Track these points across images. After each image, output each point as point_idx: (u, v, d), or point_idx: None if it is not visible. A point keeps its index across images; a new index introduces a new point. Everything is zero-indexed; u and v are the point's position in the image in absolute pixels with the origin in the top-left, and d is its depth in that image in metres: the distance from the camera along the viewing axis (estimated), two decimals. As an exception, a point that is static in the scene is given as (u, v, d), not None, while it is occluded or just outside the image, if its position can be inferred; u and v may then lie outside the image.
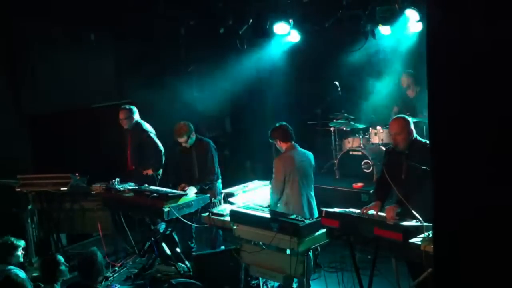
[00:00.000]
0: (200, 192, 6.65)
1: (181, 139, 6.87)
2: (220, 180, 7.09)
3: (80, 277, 4.76)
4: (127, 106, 7.57)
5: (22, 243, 5.40)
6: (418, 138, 5.03)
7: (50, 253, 5.24)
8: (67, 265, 4.98)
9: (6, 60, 8.07)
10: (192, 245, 7.10)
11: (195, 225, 6.51)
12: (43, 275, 4.82)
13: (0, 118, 7.90)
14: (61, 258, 4.85)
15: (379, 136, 8.21)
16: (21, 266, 5.33)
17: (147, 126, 7.61)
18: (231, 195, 6.26)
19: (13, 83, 8.14)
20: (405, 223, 4.43)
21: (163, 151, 7.53)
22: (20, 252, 5.31)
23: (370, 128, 8.34)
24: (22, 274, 4.94)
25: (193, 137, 6.92)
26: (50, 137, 8.24)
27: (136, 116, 7.55)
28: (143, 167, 7.52)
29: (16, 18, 7.73)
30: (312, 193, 5.91)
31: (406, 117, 5.20)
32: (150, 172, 7.49)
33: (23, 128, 8.22)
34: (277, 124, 6.01)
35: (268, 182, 6.29)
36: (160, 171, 7.65)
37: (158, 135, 7.90)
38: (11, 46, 8.05)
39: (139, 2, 8.29)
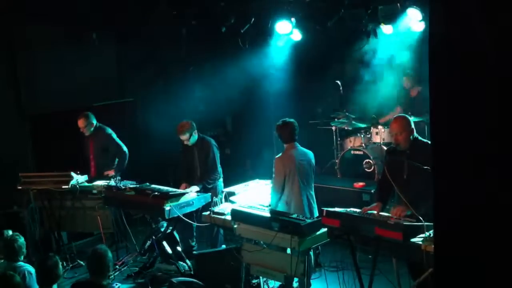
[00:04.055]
0: (203, 191, 6.66)
1: (183, 137, 6.88)
2: (221, 179, 7.09)
3: (89, 273, 4.74)
4: (84, 113, 7.55)
5: (22, 238, 5.41)
6: (419, 137, 5.02)
7: (47, 255, 5.23)
8: (64, 264, 4.97)
9: (7, 59, 8.07)
10: (193, 243, 7.11)
11: (196, 223, 6.52)
12: (39, 276, 4.76)
13: (2, 117, 7.91)
14: (58, 260, 4.82)
15: (380, 135, 8.21)
16: None
17: (109, 128, 7.66)
18: (232, 194, 6.26)
19: (14, 82, 8.15)
20: (405, 223, 4.42)
21: (127, 152, 7.58)
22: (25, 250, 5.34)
23: (372, 128, 8.34)
24: (31, 270, 5.01)
25: (195, 135, 6.93)
26: (51, 136, 8.25)
27: (95, 121, 7.58)
28: (107, 169, 7.56)
29: (17, 17, 7.73)
30: (313, 193, 5.91)
31: (407, 116, 5.20)
32: (111, 173, 7.49)
33: (25, 127, 8.23)
34: (282, 122, 5.94)
35: (269, 181, 6.28)
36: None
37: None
38: (12, 46, 8.05)
39: (141, 1, 8.29)
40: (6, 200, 7.48)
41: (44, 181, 7.01)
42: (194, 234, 7.08)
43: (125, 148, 7.59)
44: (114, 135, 7.64)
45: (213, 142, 7.04)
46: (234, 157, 10.13)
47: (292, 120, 5.92)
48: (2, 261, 5.37)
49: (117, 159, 7.61)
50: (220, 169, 7.04)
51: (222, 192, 6.45)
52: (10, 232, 5.82)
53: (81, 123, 7.49)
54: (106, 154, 7.64)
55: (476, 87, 2.14)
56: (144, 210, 6.70)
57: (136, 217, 7.92)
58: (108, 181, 7.00)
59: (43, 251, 6.90)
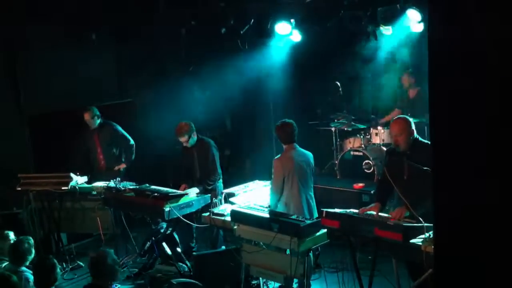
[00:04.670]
0: (203, 192, 6.66)
1: (182, 139, 6.87)
2: (221, 180, 7.09)
3: (91, 276, 4.72)
4: (90, 107, 7.68)
5: (31, 241, 5.39)
6: (420, 138, 5.02)
7: (45, 256, 5.23)
8: (61, 267, 4.93)
9: (7, 60, 8.06)
10: (193, 244, 7.10)
11: (195, 224, 6.51)
12: (37, 278, 4.72)
13: (1, 117, 7.91)
14: (55, 262, 4.81)
15: (380, 136, 8.22)
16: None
17: (113, 122, 7.81)
18: (232, 195, 6.26)
19: (14, 82, 8.14)
20: (405, 224, 4.42)
21: (134, 144, 7.79)
22: (32, 252, 5.31)
23: (371, 128, 8.34)
24: (30, 277, 4.96)
25: (195, 137, 6.92)
26: (51, 137, 8.24)
27: (99, 114, 7.70)
28: (116, 163, 7.75)
29: (16, 17, 7.72)
30: (312, 194, 5.90)
31: (407, 117, 5.19)
32: (123, 166, 7.73)
33: (24, 127, 8.22)
34: (281, 122, 5.93)
35: (268, 182, 6.29)
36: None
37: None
38: (11, 46, 8.04)
39: (140, 1, 8.29)
40: (6, 201, 7.47)
41: (43, 182, 7.01)
42: (194, 235, 7.08)
43: (131, 140, 7.78)
44: (119, 128, 7.80)
45: (212, 143, 7.04)
46: (234, 158, 10.13)
47: (291, 121, 5.91)
48: (6, 263, 5.35)
49: (124, 152, 7.79)
50: (219, 170, 7.04)
51: (222, 193, 6.45)
52: (11, 233, 5.81)
53: (87, 115, 7.61)
54: (113, 147, 7.79)
55: (476, 87, 2.14)
56: (143, 211, 6.70)
57: (135, 218, 7.91)
58: (107, 182, 7.00)
59: (43, 253, 6.89)
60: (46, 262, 4.69)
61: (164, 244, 6.65)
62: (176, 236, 6.76)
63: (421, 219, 4.29)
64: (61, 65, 8.37)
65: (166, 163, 8.79)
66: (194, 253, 6.82)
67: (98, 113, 7.67)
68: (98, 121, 7.68)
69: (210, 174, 6.88)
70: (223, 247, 6.66)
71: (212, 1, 7.73)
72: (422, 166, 4.42)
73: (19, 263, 5.15)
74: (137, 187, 6.76)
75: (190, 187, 6.73)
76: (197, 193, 6.56)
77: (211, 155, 6.91)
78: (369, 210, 4.88)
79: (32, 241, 5.39)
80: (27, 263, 5.24)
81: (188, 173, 7.07)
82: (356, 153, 8.20)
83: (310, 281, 5.53)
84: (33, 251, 5.33)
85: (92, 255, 4.73)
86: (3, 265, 5.37)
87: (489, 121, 2.11)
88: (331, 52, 8.73)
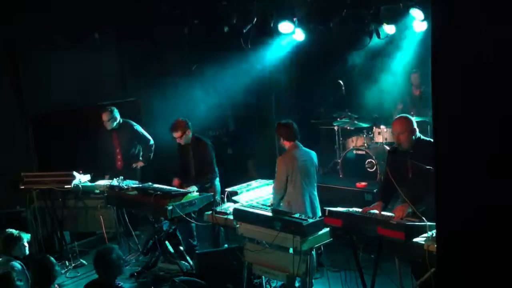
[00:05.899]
0: (199, 190, 6.66)
1: (175, 134, 6.87)
2: (218, 179, 7.07)
3: (96, 273, 4.74)
4: (109, 108, 7.66)
5: (26, 236, 5.40)
6: (422, 137, 5.01)
7: (43, 255, 5.22)
8: (60, 264, 4.95)
9: (9, 60, 8.07)
10: (195, 243, 7.11)
11: (195, 223, 6.51)
12: (36, 277, 4.71)
13: (4, 117, 7.92)
14: (53, 260, 4.81)
15: (382, 135, 8.22)
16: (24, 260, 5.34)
17: (132, 121, 7.82)
18: (234, 193, 6.26)
19: (16, 83, 8.15)
20: (408, 223, 4.42)
21: (153, 143, 7.84)
22: (23, 245, 5.32)
23: (374, 127, 8.34)
24: (18, 266, 4.99)
25: (189, 134, 6.92)
26: (53, 136, 8.25)
27: (119, 116, 7.69)
28: (134, 161, 7.79)
29: (18, 18, 7.73)
30: (315, 192, 5.91)
31: (409, 116, 5.20)
32: (140, 164, 7.77)
33: (26, 127, 8.23)
34: (283, 121, 5.98)
35: (271, 181, 6.29)
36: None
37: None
38: (13, 46, 8.05)
39: (142, 1, 8.28)
40: (9, 200, 7.49)
41: (46, 180, 7.02)
42: (194, 233, 7.08)
43: (151, 140, 7.83)
44: (139, 127, 7.82)
45: (209, 142, 7.04)
46: (236, 156, 10.13)
47: (288, 120, 5.95)
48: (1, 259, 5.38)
49: (142, 151, 7.86)
50: (216, 169, 7.03)
51: (224, 192, 6.45)
52: (13, 231, 5.83)
53: (105, 116, 7.59)
54: (133, 147, 7.82)
55: (478, 87, 2.14)
56: (146, 209, 6.70)
57: (138, 217, 7.93)
58: (110, 181, 7.02)
59: (46, 251, 6.91)
60: (44, 261, 4.71)
61: (166, 242, 6.66)
62: (178, 234, 6.77)
63: (423, 217, 4.30)
64: (63, 64, 8.37)
65: (169, 162, 8.80)
66: (196, 251, 6.83)
67: (117, 115, 7.62)
68: (115, 123, 7.63)
69: (206, 173, 6.88)
70: (226, 245, 6.67)
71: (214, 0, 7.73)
72: (425, 164, 4.42)
73: (6, 253, 5.17)
74: (140, 185, 6.77)
75: (184, 184, 6.74)
76: (196, 191, 6.57)
77: (207, 155, 6.91)
78: (372, 209, 4.88)
79: (24, 235, 5.38)
80: (20, 256, 5.25)
81: (184, 171, 7.08)
82: (359, 152, 8.20)
83: (313, 280, 5.52)
84: (21, 239, 5.31)
85: (97, 251, 4.75)
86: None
87: (490, 121, 2.11)
88: (334, 51, 8.72)
